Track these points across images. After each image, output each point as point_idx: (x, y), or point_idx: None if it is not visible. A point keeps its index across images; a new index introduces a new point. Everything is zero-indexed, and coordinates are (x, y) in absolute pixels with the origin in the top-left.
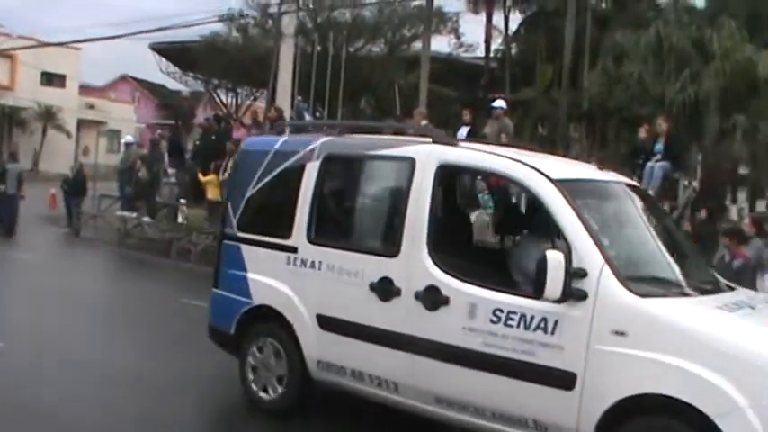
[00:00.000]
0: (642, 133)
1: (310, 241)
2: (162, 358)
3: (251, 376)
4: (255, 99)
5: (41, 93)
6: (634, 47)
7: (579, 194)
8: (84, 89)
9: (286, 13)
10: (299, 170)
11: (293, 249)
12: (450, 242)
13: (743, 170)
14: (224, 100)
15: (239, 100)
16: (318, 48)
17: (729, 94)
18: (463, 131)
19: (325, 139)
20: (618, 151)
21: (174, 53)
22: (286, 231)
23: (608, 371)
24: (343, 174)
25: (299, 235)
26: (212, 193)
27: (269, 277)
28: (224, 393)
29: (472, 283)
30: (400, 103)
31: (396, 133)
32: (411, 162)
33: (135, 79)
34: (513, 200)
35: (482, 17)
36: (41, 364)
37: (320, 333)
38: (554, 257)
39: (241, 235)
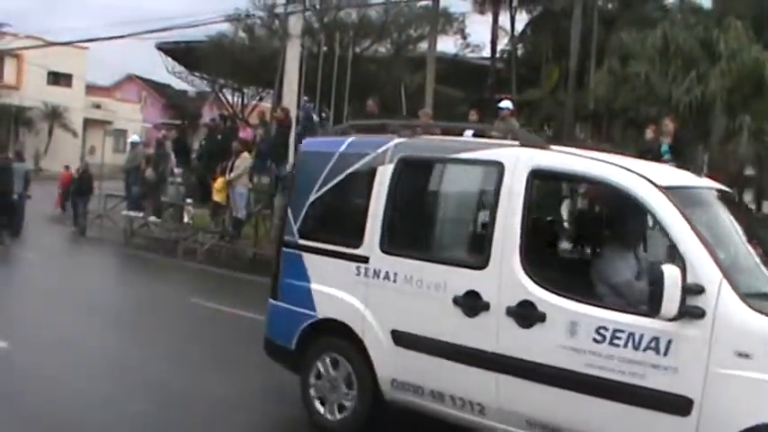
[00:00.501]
0: (649, 134)
1: (383, 251)
2: (173, 359)
3: (314, 395)
4: (261, 99)
5: (48, 92)
6: (640, 47)
7: (687, 203)
8: (91, 89)
9: (292, 14)
10: (369, 174)
11: (364, 259)
12: (541, 253)
13: (749, 171)
14: (230, 100)
15: (245, 100)
16: (324, 48)
17: (736, 95)
18: (469, 132)
19: (398, 140)
20: (624, 152)
21: (180, 53)
22: (355, 240)
23: (730, 396)
24: (420, 178)
25: (370, 244)
26: (218, 197)
27: (336, 289)
28: (259, 406)
29: (571, 299)
30: (406, 103)
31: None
32: (499, 166)
33: (141, 79)
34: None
35: (488, 17)
36: (46, 364)
37: (395, 350)
38: (671, 272)
39: (303, 243)
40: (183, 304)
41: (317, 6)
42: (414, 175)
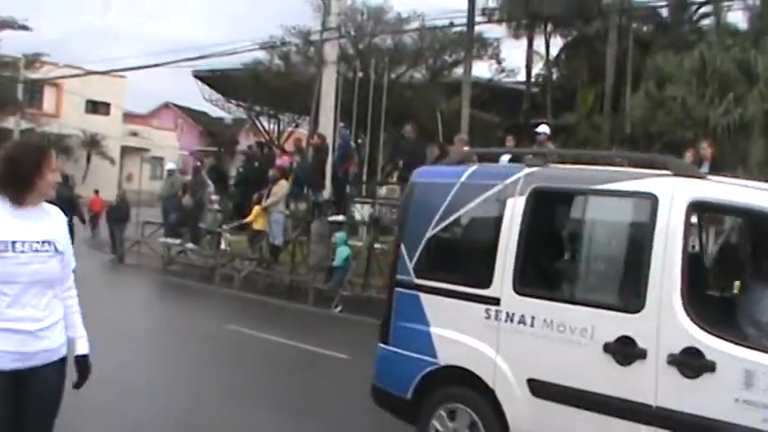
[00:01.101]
0: (688, 157)
1: (517, 291)
2: (213, 386)
3: None
4: (297, 126)
5: (86, 120)
6: (677, 70)
7: None
8: (128, 117)
9: (328, 40)
10: (498, 206)
11: (494, 301)
12: (699, 293)
13: None
14: (266, 127)
15: (281, 127)
16: (360, 74)
17: None
18: (506, 158)
19: (529, 170)
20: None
21: (216, 81)
22: (484, 279)
23: None
24: (558, 211)
25: (501, 284)
26: (258, 224)
27: (461, 333)
28: None
29: (743, 345)
30: (442, 129)
31: (608, 164)
32: (652, 198)
33: (178, 107)
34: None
35: (523, 42)
36: (87, 391)
37: (533, 401)
38: None
39: (420, 282)
40: (220, 331)
41: (353, 33)
42: (550, 207)
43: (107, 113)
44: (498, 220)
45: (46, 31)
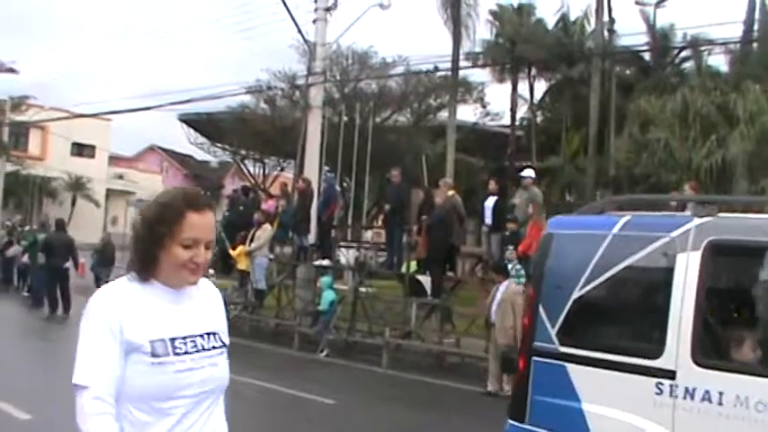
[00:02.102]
0: None
1: (698, 363)
2: None
3: None
4: (283, 169)
5: (71, 163)
6: (660, 113)
7: None
8: (114, 159)
9: (313, 85)
10: (665, 262)
11: (669, 374)
12: None
13: None
14: (251, 170)
15: (267, 170)
16: (345, 118)
17: (756, 159)
18: (490, 201)
19: (700, 220)
20: None
21: (202, 124)
22: (652, 348)
23: None
24: (742, 267)
25: (677, 353)
26: (242, 264)
27: (624, 411)
28: None
29: None
30: (427, 172)
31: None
32: None
33: (163, 150)
34: None
35: (507, 86)
36: None
37: None
38: None
39: (567, 351)
40: None
41: (338, 77)
42: (733, 263)
43: (92, 156)
44: (667, 279)
45: (32, 73)
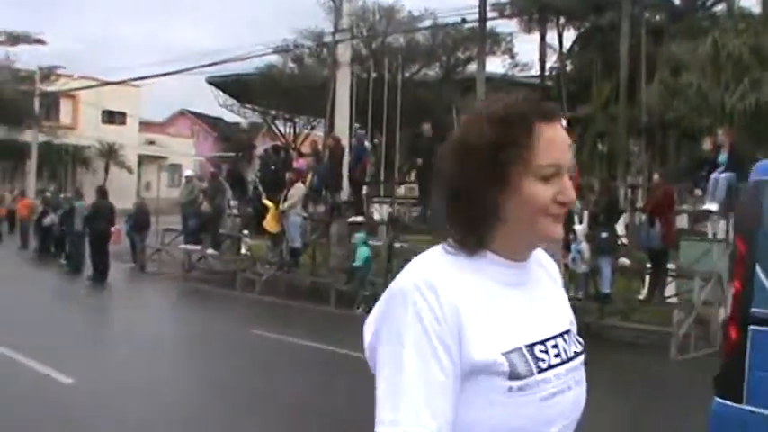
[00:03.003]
0: (707, 145)
1: None
2: (243, 393)
3: None
4: (313, 128)
5: (103, 131)
6: (691, 57)
7: None
8: (144, 125)
9: (341, 42)
10: None
11: None
12: None
13: None
14: (282, 130)
15: (297, 129)
16: (374, 74)
17: None
18: None
19: None
20: (678, 164)
21: (230, 86)
22: None
23: None
24: None
25: None
26: (271, 226)
27: None
28: None
29: None
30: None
31: None
32: None
33: (193, 114)
34: None
35: (535, 36)
36: (110, 399)
37: None
38: None
39: None
40: (245, 335)
41: (365, 33)
42: None
43: (123, 123)
44: None
45: (60, 43)
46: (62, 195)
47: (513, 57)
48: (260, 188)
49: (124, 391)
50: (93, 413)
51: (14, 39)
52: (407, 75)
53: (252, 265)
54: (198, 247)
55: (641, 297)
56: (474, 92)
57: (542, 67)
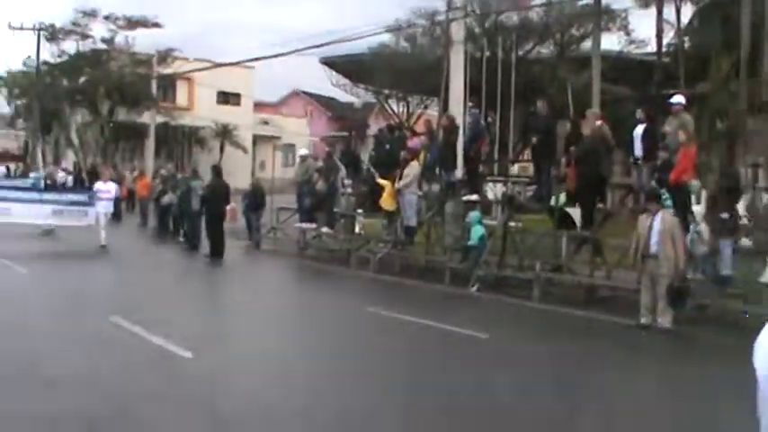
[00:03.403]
0: None
1: None
2: (359, 369)
3: None
4: (426, 107)
5: (218, 111)
6: None
7: None
8: (259, 106)
9: (454, 20)
10: None
11: None
12: None
13: None
14: (395, 109)
15: (410, 109)
16: (487, 53)
17: None
18: (639, 130)
19: None
20: None
21: (343, 66)
22: None
23: None
24: None
25: None
26: (387, 204)
27: None
28: None
29: None
30: (573, 104)
31: None
32: None
33: (307, 94)
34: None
35: (652, 11)
36: (228, 373)
37: None
38: None
39: None
40: (361, 314)
41: (478, 11)
42: None
43: (238, 104)
44: None
45: (176, 27)
46: (179, 175)
47: (628, 33)
48: (372, 169)
49: (242, 365)
50: (212, 387)
51: (132, 23)
52: (521, 53)
53: (366, 243)
54: (313, 226)
55: (764, 280)
56: (589, 69)
57: (659, 44)
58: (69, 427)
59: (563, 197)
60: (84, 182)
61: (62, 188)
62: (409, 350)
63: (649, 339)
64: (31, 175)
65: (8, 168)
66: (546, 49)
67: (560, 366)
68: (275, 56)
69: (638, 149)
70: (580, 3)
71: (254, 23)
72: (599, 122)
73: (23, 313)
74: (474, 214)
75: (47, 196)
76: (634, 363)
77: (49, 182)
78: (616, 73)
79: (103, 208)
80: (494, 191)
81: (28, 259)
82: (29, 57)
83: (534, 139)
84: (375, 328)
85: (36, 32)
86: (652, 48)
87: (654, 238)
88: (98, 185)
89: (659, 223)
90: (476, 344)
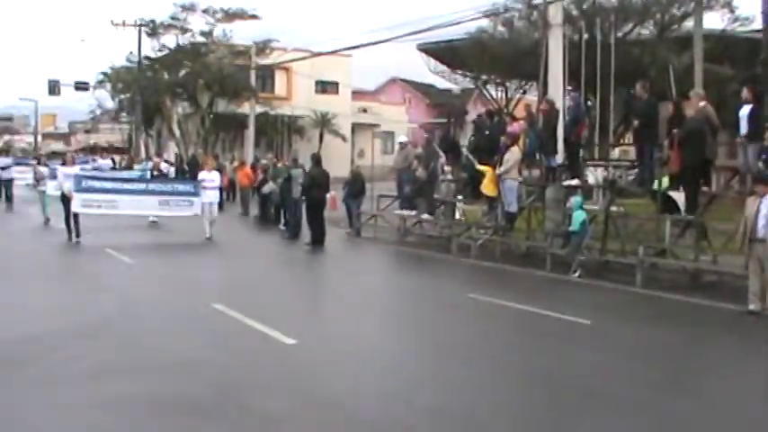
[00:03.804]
0: None
1: None
2: (459, 354)
3: None
4: (525, 92)
5: (316, 101)
6: None
7: None
8: (356, 94)
9: (552, 3)
10: None
11: None
12: None
13: None
14: (494, 95)
15: (509, 94)
16: (585, 35)
17: None
18: (745, 110)
19: None
20: None
21: (441, 52)
22: None
23: None
24: None
25: None
26: (488, 190)
27: None
28: None
29: None
30: (675, 85)
31: None
32: None
33: (404, 81)
34: None
35: None
36: (333, 359)
37: None
38: None
39: None
40: (461, 300)
41: None
42: None
43: (336, 92)
44: None
45: (273, 17)
46: (279, 164)
47: (732, 11)
48: (470, 156)
49: (344, 352)
50: (315, 373)
51: (230, 16)
52: (620, 34)
53: (467, 229)
54: (413, 213)
55: None
56: (691, 49)
57: (766, 21)
58: (178, 411)
59: (666, 180)
60: (184, 172)
61: (168, 178)
62: (510, 335)
63: (759, 326)
64: (136, 167)
65: (113, 160)
66: (646, 30)
67: (669, 353)
68: (372, 44)
69: (744, 129)
70: None
71: (350, 11)
72: (702, 103)
73: (126, 301)
74: (575, 199)
75: (153, 187)
76: (745, 350)
77: (155, 172)
78: (719, 52)
79: (209, 198)
80: (595, 175)
81: (133, 250)
82: (131, 52)
83: (635, 122)
84: (476, 313)
85: (137, 28)
86: (758, 25)
87: (761, 222)
88: (202, 175)
89: (766, 206)
90: (579, 329)
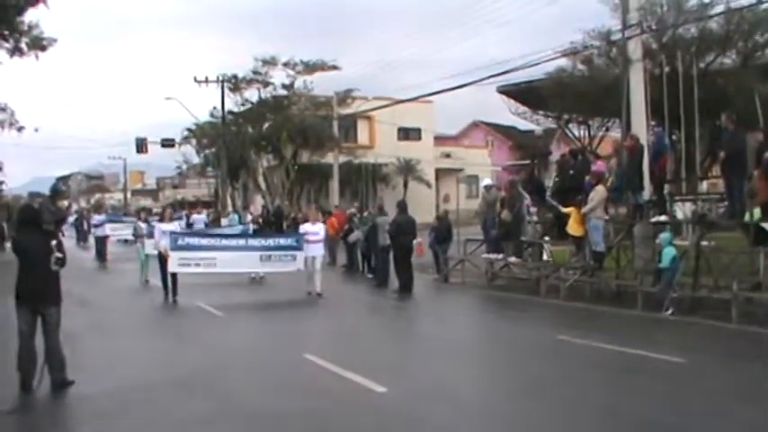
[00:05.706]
0: None
1: None
2: (553, 401)
3: None
4: (608, 129)
5: (399, 147)
6: None
7: None
8: (439, 139)
9: (630, 38)
10: None
11: None
12: None
13: None
14: (576, 134)
15: (591, 132)
16: (666, 68)
17: None
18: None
19: None
20: None
21: (521, 93)
22: None
23: None
24: None
25: None
26: (574, 229)
27: None
28: None
29: None
30: (762, 113)
31: None
32: None
33: (486, 124)
34: None
35: None
36: (423, 410)
37: None
38: None
39: None
40: (551, 342)
41: (654, 26)
42: None
43: (418, 138)
44: None
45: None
46: (365, 212)
47: None
48: (553, 203)
49: (436, 399)
50: (407, 422)
51: (310, 68)
52: (702, 65)
53: (555, 270)
54: (500, 256)
55: None
56: None
57: None
58: None
59: (757, 212)
60: (270, 224)
61: (269, 232)
62: (602, 377)
63: None
64: (224, 220)
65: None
66: (728, 59)
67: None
68: (453, 88)
69: None
70: (762, 7)
71: (428, 58)
72: None
73: (217, 353)
74: (664, 235)
75: (253, 242)
76: None
77: (255, 226)
78: None
79: (313, 251)
80: (683, 210)
81: (228, 305)
82: (214, 107)
83: (722, 154)
84: (567, 356)
85: (219, 84)
86: None
87: None
88: (305, 227)
89: None
90: (673, 368)
